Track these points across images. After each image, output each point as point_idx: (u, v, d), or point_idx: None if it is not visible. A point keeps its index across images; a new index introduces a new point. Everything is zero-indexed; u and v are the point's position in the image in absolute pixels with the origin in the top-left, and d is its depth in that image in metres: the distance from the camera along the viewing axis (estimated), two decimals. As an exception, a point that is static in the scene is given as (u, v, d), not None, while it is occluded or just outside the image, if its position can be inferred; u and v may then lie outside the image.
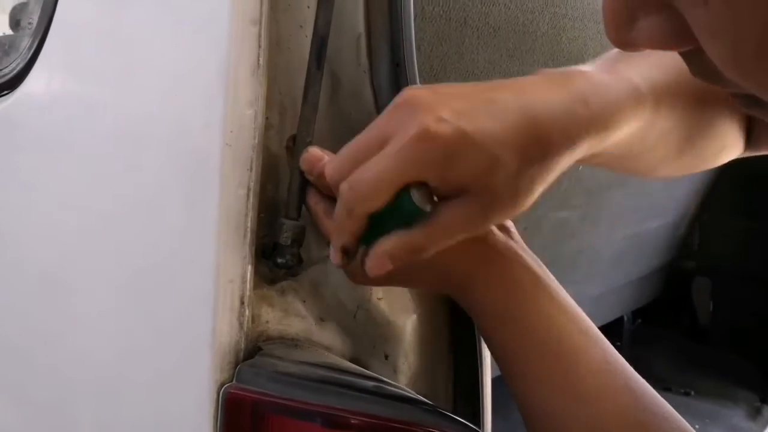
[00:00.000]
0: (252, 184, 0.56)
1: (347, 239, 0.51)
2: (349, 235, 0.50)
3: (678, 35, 0.30)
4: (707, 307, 1.82)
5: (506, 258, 0.55)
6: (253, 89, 0.55)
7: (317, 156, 0.56)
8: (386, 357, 0.64)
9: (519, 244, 0.56)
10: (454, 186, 0.47)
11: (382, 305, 0.63)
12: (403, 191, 0.47)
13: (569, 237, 1.22)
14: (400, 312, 0.63)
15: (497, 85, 0.49)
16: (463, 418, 0.55)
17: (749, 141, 0.60)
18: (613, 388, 0.51)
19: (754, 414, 1.58)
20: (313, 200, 0.58)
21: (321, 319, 0.62)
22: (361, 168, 0.47)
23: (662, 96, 0.52)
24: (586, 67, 0.52)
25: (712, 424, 1.51)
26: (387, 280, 0.54)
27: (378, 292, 0.63)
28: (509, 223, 0.58)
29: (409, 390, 0.60)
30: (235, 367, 0.56)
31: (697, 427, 1.48)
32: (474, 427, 0.55)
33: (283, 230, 0.57)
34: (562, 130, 0.48)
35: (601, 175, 1.18)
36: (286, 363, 0.56)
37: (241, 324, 0.57)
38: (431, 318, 0.65)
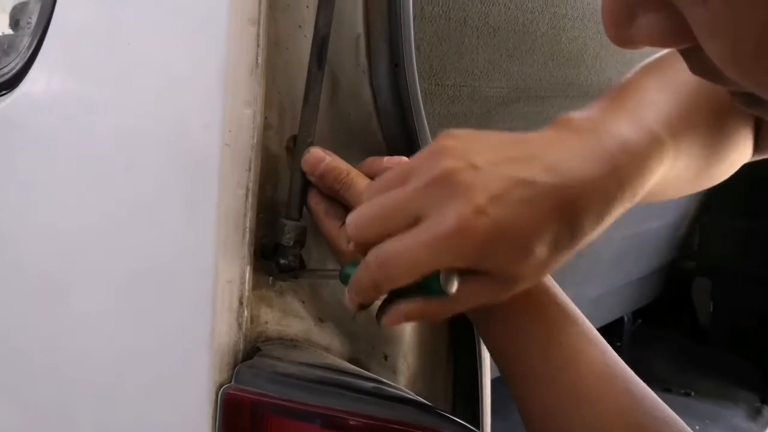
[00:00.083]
0: (251, 185, 0.56)
1: (367, 300, 0.51)
2: (371, 299, 0.51)
3: (677, 33, 0.30)
4: (707, 308, 1.82)
5: None
6: (251, 89, 0.55)
7: (319, 157, 0.56)
8: (385, 358, 0.64)
9: None
10: (483, 269, 0.47)
11: (382, 306, 0.63)
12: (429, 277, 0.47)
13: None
14: (400, 312, 0.63)
15: (533, 153, 0.47)
16: (462, 419, 0.55)
17: (757, 145, 0.60)
18: (614, 391, 0.51)
19: (755, 414, 1.58)
20: (314, 201, 0.58)
21: (320, 320, 0.62)
22: (393, 247, 0.46)
23: (681, 135, 0.52)
24: (612, 119, 0.51)
25: (713, 424, 1.51)
26: None
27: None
28: None
29: (409, 391, 0.60)
30: (234, 368, 0.56)
31: (697, 427, 1.48)
32: (473, 428, 0.55)
33: (285, 231, 0.57)
34: (596, 214, 0.48)
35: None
36: (285, 364, 0.56)
37: (239, 324, 0.57)
38: (431, 318, 0.65)
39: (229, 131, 0.55)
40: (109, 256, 0.63)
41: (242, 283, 0.56)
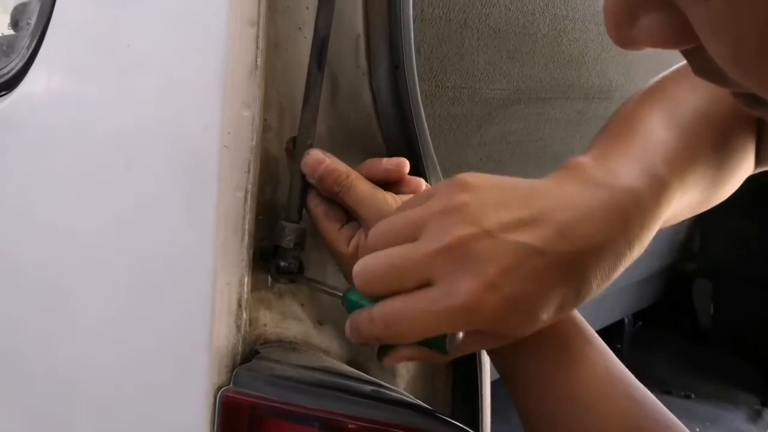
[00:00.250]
0: (250, 186, 0.56)
1: (369, 342, 0.52)
2: (373, 342, 0.52)
3: (679, 33, 0.29)
4: (708, 310, 1.82)
5: None
6: (250, 91, 0.55)
7: (319, 159, 0.56)
8: (385, 360, 0.63)
9: None
10: (489, 332, 0.48)
11: (381, 308, 0.62)
12: None
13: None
14: (399, 315, 0.63)
15: (546, 213, 0.47)
16: (462, 422, 0.55)
17: (758, 158, 0.60)
18: (614, 394, 0.51)
19: (755, 417, 1.57)
20: (314, 202, 0.58)
21: (319, 322, 0.62)
22: (401, 310, 0.47)
23: (686, 173, 0.53)
24: (623, 167, 0.51)
25: (713, 427, 1.51)
26: None
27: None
28: None
29: (408, 394, 0.59)
30: (233, 371, 0.56)
31: (697, 430, 1.48)
32: (472, 431, 0.54)
33: (285, 233, 0.57)
34: (605, 275, 0.48)
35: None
36: (284, 366, 0.55)
37: (238, 327, 0.56)
38: (430, 321, 0.65)
39: (228, 133, 0.54)
40: (107, 258, 0.63)
41: (241, 285, 0.56)
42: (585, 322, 0.54)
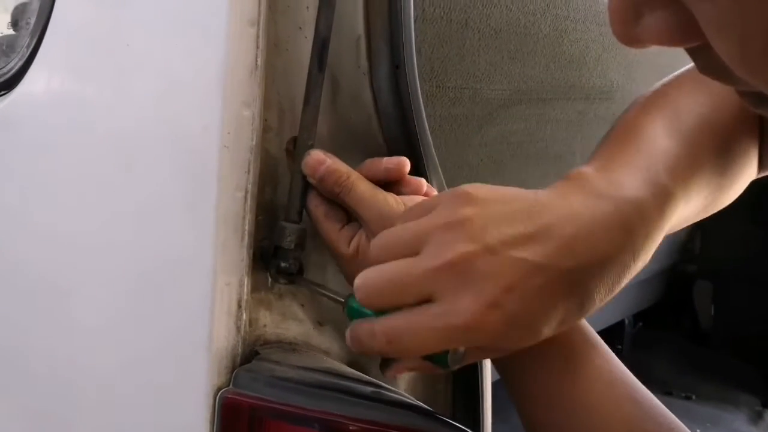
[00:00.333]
0: (250, 187, 0.56)
1: (370, 354, 0.52)
2: (374, 354, 0.52)
3: (684, 31, 0.29)
4: (708, 311, 1.82)
5: None
6: (250, 91, 0.55)
7: (320, 159, 0.56)
8: (385, 361, 0.63)
9: None
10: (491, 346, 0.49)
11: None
12: None
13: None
14: (400, 316, 0.63)
15: (550, 227, 0.47)
16: (462, 424, 0.55)
17: (761, 163, 0.60)
18: (617, 399, 0.51)
19: (756, 418, 1.57)
20: (314, 203, 0.58)
21: (319, 323, 0.62)
22: (403, 326, 0.47)
23: (690, 181, 0.53)
24: (626, 178, 0.51)
25: (714, 428, 1.51)
26: None
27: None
28: None
29: (408, 395, 0.59)
30: (232, 372, 0.56)
31: (698, 431, 1.47)
32: (473, 432, 0.54)
33: (286, 234, 0.57)
34: (609, 288, 0.48)
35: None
36: (284, 367, 0.55)
37: (238, 328, 0.56)
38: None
39: (228, 133, 0.54)
40: (107, 258, 0.63)
41: (241, 286, 0.56)
42: (588, 326, 0.54)
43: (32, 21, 0.71)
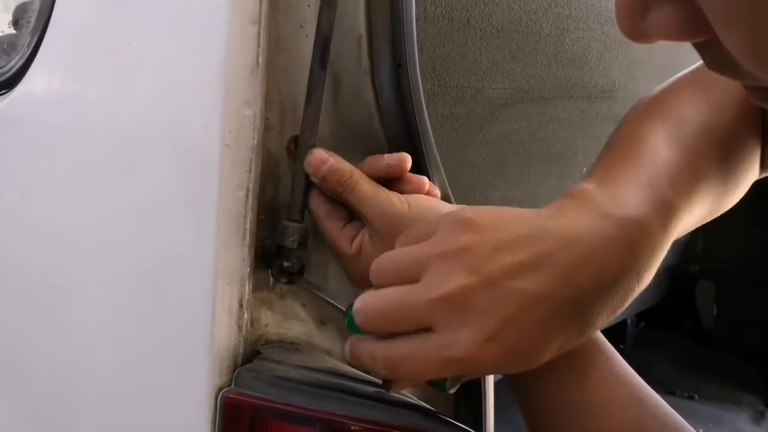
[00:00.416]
0: (251, 185, 0.55)
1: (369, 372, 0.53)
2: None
3: (692, 25, 0.29)
4: (711, 311, 1.82)
5: None
6: (251, 89, 0.55)
7: (322, 158, 0.56)
8: (387, 361, 0.63)
9: None
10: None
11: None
12: None
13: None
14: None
15: (551, 255, 0.46)
16: (465, 424, 0.55)
17: (763, 163, 0.60)
18: (621, 400, 0.50)
19: (759, 418, 1.57)
20: (315, 202, 0.58)
21: (321, 323, 0.62)
22: (402, 355, 0.47)
23: (692, 192, 0.53)
24: (629, 194, 0.50)
25: (716, 428, 1.50)
26: None
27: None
28: None
29: (410, 395, 0.59)
30: (234, 372, 0.55)
31: (700, 431, 1.47)
32: (475, 433, 0.54)
33: (288, 233, 0.56)
34: (611, 312, 0.48)
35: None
36: (286, 367, 0.55)
37: (239, 327, 0.56)
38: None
39: (229, 132, 0.54)
40: (108, 258, 0.63)
41: (242, 285, 0.56)
42: None
43: (33, 20, 0.71)
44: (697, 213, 0.54)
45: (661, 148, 0.54)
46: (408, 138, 0.60)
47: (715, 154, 0.55)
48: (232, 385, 0.55)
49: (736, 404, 1.60)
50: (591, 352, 0.52)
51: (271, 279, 0.59)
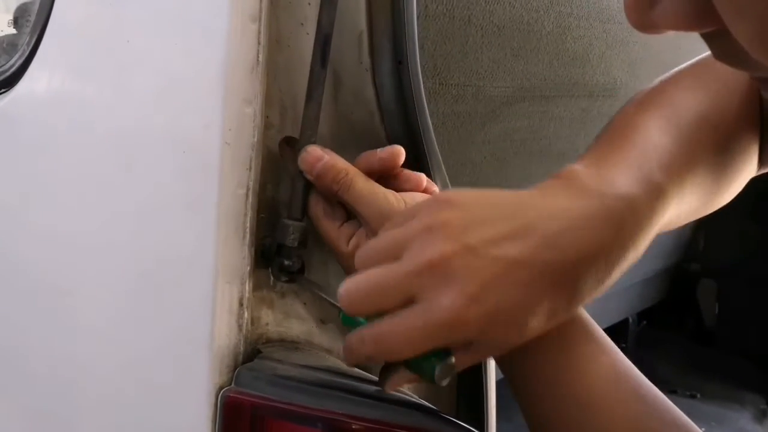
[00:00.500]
0: (251, 184, 0.55)
1: (362, 364, 0.52)
2: (366, 362, 0.52)
3: (701, 15, 0.29)
4: (713, 310, 1.81)
5: None
6: (252, 87, 0.54)
7: (317, 156, 0.55)
8: (388, 360, 0.63)
9: None
10: (478, 343, 0.48)
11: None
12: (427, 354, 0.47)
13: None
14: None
15: (533, 224, 0.46)
16: (466, 422, 0.54)
17: (761, 160, 0.59)
18: (622, 397, 0.50)
19: (761, 417, 1.57)
20: (313, 201, 0.57)
21: (322, 322, 0.61)
22: (387, 328, 0.46)
23: (684, 178, 0.52)
24: (616, 174, 0.50)
25: (718, 427, 1.50)
26: None
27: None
28: None
29: (412, 394, 0.59)
30: (234, 371, 0.55)
31: (703, 429, 1.47)
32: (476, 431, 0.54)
33: (289, 231, 0.56)
34: (597, 280, 0.47)
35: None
36: (286, 366, 0.55)
37: (240, 326, 0.56)
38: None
39: (230, 130, 0.54)
40: (108, 257, 0.62)
41: (242, 284, 0.56)
42: (591, 321, 0.53)
43: (32, 19, 0.71)
44: (689, 200, 0.54)
45: (654, 134, 0.53)
46: (409, 136, 0.60)
47: (712, 144, 0.55)
48: (233, 384, 0.55)
49: (739, 403, 1.60)
50: (590, 347, 0.51)
51: (272, 278, 0.59)
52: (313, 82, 0.56)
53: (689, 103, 0.56)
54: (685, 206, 0.54)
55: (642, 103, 0.56)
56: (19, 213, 0.71)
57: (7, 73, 0.72)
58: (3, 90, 0.72)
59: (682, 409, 0.51)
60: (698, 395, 1.62)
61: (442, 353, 0.48)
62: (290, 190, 0.57)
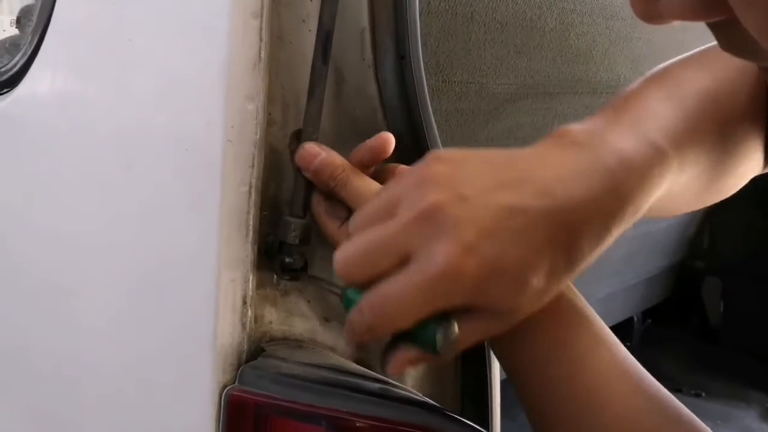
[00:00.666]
0: (254, 181, 0.55)
1: (363, 342, 0.49)
2: (368, 340, 0.48)
3: (708, 5, 0.28)
4: (718, 308, 1.81)
5: None
6: (254, 84, 0.54)
7: (313, 152, 0.55)
8: (392, 358, 0.62)
9: None
10: (479, 306, 0.45)
11: (388, 305, 0.62)
12: (428, 321, 0.45)
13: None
14: (407, 312, 0.62)
15: (526, 175, 0.45)
16: (470, 420, 0.54)
17: (766, 157, 0.59)
18: (624, 392, 0.49)
19: (766, 415, 1.56)
20: (315, 199, 0.57)
21: (325, 320, 0.61)
22: (384, 291, 0.44)
23: (685, 147, 0.51)
24: (611, 132, 0.49)
25: (724, 425, 1.50)
26: None
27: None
28: None
29: (416, 392, 0.59)
30: (238, 369, 0.55)
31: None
32: (482, 429, 0.53)
33: (291, 229, 0.56)
34: (595, 235, 0.46)
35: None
36: (290, 364, 0.55)
37: (243, 324, 0.56)
38: (438, 318, 0.64)
39: (232, 127, 0.54)
40: (110, 256, 0.62)
41: (246, 282, 0.55)
42: (596, 316, 0.52)
43: (34, 19, 0.71)
44: (690, 172, 0.52)
45: (654, 103, 0.52)
46: (412, 133, 0.60)
47: (716, 121, 0.54)
48: (236, 383, 0.54)
49: (744, 401, 1.60)
50: (592, 343, 0.51)
51: (275, 275, 0.59)
52: (315, 79, 0.55)
53: (695, 80, 0.55)
54: (688, 175, 0.52)
55: (646, 79, 0.56)
56: (21, 213, 0.70)
57: (9, 74, 0.72)
58: (5, 90, 0.72)
59: (687, 408, 0.50)
60: (703, 394, 1.61)
61: (444, 321, 0.46)
62: (293, 187, 0.57)
